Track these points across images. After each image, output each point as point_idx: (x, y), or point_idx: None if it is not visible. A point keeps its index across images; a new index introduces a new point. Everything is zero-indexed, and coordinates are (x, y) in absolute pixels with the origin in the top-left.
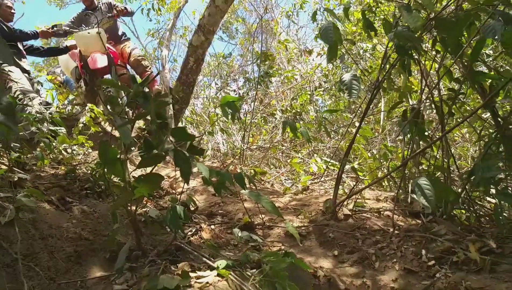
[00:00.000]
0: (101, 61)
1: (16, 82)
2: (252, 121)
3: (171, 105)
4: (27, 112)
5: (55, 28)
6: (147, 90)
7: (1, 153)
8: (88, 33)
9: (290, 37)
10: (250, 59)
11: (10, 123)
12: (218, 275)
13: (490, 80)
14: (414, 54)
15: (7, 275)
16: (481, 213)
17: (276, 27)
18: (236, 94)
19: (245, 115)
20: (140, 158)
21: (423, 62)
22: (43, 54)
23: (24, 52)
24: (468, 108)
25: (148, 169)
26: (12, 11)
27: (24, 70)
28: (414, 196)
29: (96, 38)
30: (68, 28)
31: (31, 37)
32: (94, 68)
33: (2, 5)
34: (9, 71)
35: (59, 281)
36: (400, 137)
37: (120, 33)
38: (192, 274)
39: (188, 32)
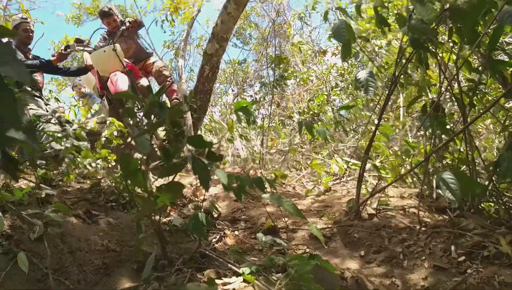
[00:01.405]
0: (123, 83)
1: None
2: (270, 125)
3: (189, 114)
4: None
5: (68, 50)
6: (163, 100)
7: (28, 171)
8: (104, 51)
9: (303, 39)
10: (265, 64)
11: (30, 141)
12: (244, 280)
13: (511, 69)
14: (430, 47)
15: None
16: (510, 205)
17: (289, 30)
18: (253, 99)
19: (262, 119)
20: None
21: (440, 54)
22: (65, 74)
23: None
24: (490, 98)
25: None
26: (30, 34)
27: (35, 95)
28: (439, 191)
29: (113, 56)
30: (81, 48)
31: (41, 68)
32: (117, 92)
33: (19, 29)
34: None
35: None
36: (422, 132)
37: (144, 50)
38: (218, 281)
39: (203, 41)
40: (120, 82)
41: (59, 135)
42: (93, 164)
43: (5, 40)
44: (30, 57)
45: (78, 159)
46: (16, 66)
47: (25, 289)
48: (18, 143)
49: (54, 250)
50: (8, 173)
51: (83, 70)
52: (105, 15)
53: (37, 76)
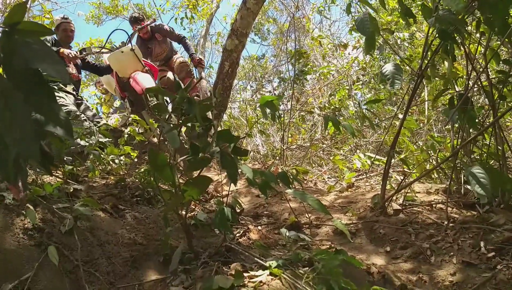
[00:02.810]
0: (146, 81)
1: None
2: (290, 120)
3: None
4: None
5: (84, 53)
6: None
7: (56, 167)
8: (122, 52)
9: (323, 32)
10: (283, 59)
11: (68, 136)
12: (271, 274)
13: None
14: (457, 38)
15: (70, 281)
16: None
17: (308, 24)
18: (272, 94)
19: (282, 115)
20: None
21: (467, 45)
22: (98, 71)
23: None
24: None
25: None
26: (70, 33)
27: (66, 91)
28: (468, 186)
29: (132, 56)
30: (98, 50)
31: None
32: (142, 89)
33: (59, 28)
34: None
35: (118, 285)
36: (448, 127)
37: (172, 50)
38: (245, 274)
39: (221, 37)
40: (145, 80)
41: (84, 132)
42: (117, 160)
43: (48, 38)
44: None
45: (103, 155)
46: (55, 64)
47: (57, 280)
48: (51, 139)
49: (84, 243)
50: (44, 168)
51: (108, 69)
52: (136, 21)
53: (71, 70)
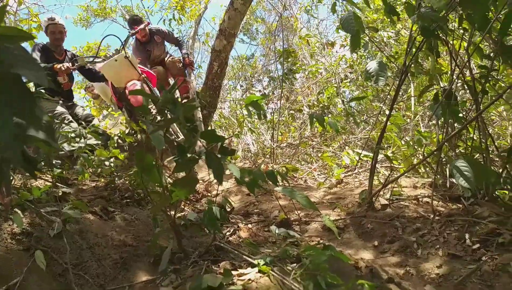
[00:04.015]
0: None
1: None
2: (280, 119)
3: (199, 111)
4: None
5: (76, 64)
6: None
7: (45, 170)
8: (116, 60)
9: (311, 31)
10: (272, 58)
11: (50, 140)
12: (260, 271)
13: None
14: (440, 35)
15: (60, 285)
16: None
17: (296, 23)
18: (261, 94)
19: (272, 113)
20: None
21: (450, 42)
22: (94, 78)
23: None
24: (502, 85)
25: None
26: (57, 36)
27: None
28: (453, 180)
29: (126, 64)
30: (91, 60)
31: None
32: (139, 104)
33: (47, 31)
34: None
35: (108, 288)
36: (434, 122)
37: (165, 50)
38: (234, 272)
39: (210, 38)
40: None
41: (73, 135)
42: (107, 163)
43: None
44: (68, 56)
45: (92, 157)
46: (35, 71)
47: (46, 284)
48: (36, 143)
49: (73, 246)
50: (27, 172)
51: (102, 77)
52: (135, 23)
53: (62, 80)
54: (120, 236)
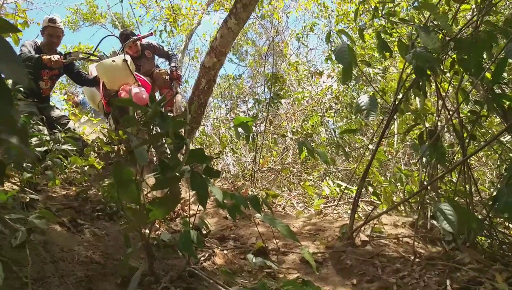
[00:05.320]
0: (144, 93)
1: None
2: (263, 142)
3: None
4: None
5: (69, 58)
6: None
7: (14, 173)
8: (113, 61)
9: (300, 59)
10: (260, 81)
11: (23, 145)
12: None
13: (508, 102)
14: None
15: None
16: (504, 240)
17: (286, 49)
18: (246, 115)
19: (255, 136)
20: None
21: (439, 83)
22: (81, 81)
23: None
24: (486, 130)
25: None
26: (54, 40)
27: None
28: (434, 222)
29: (124, 68)
30: (85, 57)
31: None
32: (144, 102)
33: (45, 32)
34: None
35: None
36: (414, 160)
37: (156, 67)
38: None
39: (199, 54)
40: (142, 92)
41: (47, 138)
42: (80, 171)
43: (32, 43)
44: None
45: (65, 164)
46: (13, 63)
47: None
48: (9, 146)
49: (35, 259)
50: None
51: (93, 81)
52: (127, 38)
53: (44, 86)
54: (88, 252)
